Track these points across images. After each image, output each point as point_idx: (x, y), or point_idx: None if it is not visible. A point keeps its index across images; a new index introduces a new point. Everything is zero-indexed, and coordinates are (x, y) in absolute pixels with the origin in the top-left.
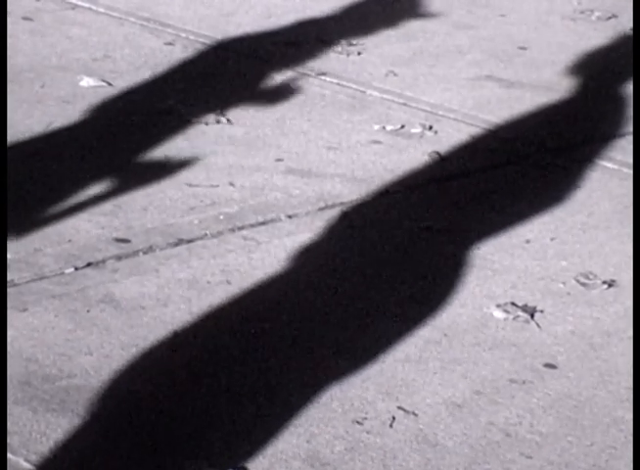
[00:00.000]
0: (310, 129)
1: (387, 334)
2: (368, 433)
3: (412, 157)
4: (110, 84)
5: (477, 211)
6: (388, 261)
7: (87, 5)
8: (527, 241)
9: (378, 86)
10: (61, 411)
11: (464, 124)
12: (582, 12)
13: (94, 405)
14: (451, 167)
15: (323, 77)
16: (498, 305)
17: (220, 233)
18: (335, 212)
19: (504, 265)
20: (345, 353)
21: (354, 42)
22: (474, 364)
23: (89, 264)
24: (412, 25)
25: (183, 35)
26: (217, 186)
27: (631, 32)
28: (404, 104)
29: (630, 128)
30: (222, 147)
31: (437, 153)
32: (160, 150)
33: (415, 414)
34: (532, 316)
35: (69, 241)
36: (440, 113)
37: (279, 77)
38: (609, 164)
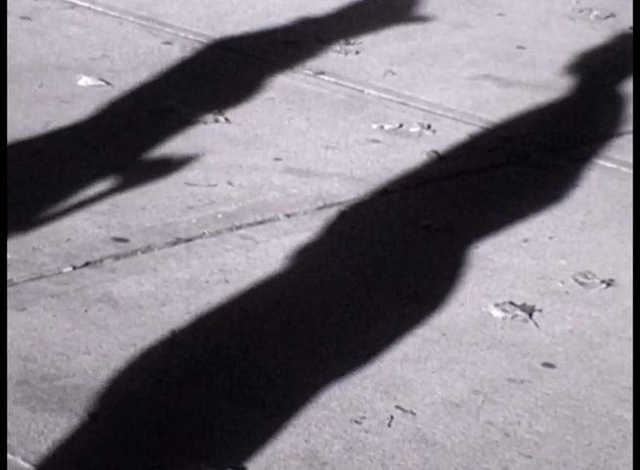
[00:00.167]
0: (309, 128)
1: (385, 333)
2: (366, 432)
3: (410, 156)
4: (108, 84)
5: (475, 210)
6: (387, 261)
7: (86, 4)
8: (526, 240)
9: (376, 85)
10: (59, 411)
11: (462, 124)
12: (581, 11)
13: (92, 405)
14: (449, 167)
15: (321, 76)
16: (497, 305)
17: (219, 232)
18: (333, 212)
19: (503, 265)
20: (344, 353)
21: (353, 41)
22: (472, 364)
23: (87, 264)
24: (410, 25)
25: (182, 34)
26: (216, 185)
27: (630, 31)
28: (402, 103)
29: (629, 127)
30: (220, 146)
31: (436, 152)
32: (159, 149)
33: (413, 414)
34: (531, 316)
35: (68, 240)
36: (439, 112)
37: (277, 76)
38: (607, 164)
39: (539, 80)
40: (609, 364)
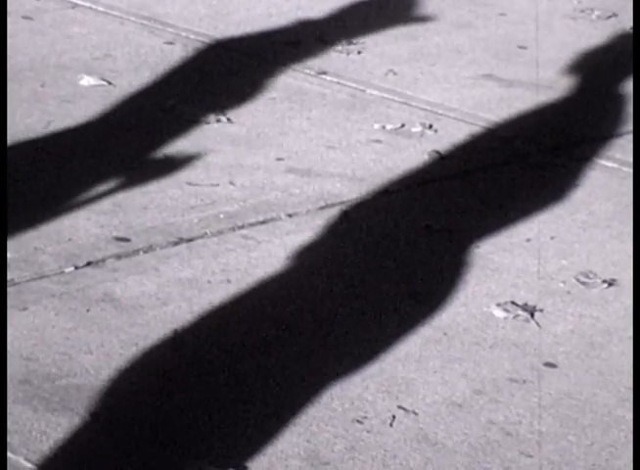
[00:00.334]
0: (310, 128)
1: (387, 333)
2: (368, 432)
3: (412, 156)
4: (110, 83)
5: (477, 210)
6: (389, 260)
7: (87, 4)
8: (528, 240)
9: (378, 85)
10: (61, 410)
11: (464, 123)
12: (582, 11)
13: (94, 404)
14: (451, 167)
15: (323, 76)
16: (498, 305)
17: (220, 232)
18: (335, 212)
19: (504, 264)
20: (345, 352)
21: (354, 41)
22: (474, 363)
23: (89, 263)
24: (412, 25)
25: (183, 34)
26: (217, 185)
27: (631, 31)
28: (404, 103)
29: (630, 127)
30: (222, 146)
31: (438, 152)
32: (161, 149)
33: (415, 413)
34: (532, 315)
35: (69, 240)
36: (440, 112)
37: (279, 76)
38: (608, 164)
39: (541, 80)
40: (610, 364)
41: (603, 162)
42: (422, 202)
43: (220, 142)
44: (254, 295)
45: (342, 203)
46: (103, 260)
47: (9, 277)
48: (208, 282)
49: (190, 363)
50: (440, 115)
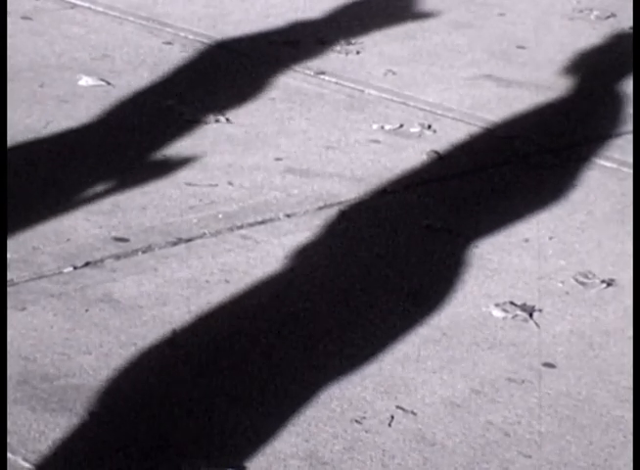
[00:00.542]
0: (309, 129)
1: (385, 333)
2: (367, 432)
3: (411, 156)
4: (109, 83)
5: (475, 210)
6: (387, 261)
7: (86, 4)
8: (526, 240)
9: (377, 85)
10: (59, 410)
11: (463, 124)
12: (581, 11)
13: (93, 404)
14: (450, 167)
15: (322, 77)
16: (497, 305)
17: (219, 232)
18: (333, 212)
19: (503, 265)
20: (344, 353)
21: (353, 41)
22: (472, 363)
23: (88, 264)
24: (411, 25)
25: (182, 35)
26: (216, 185)
27: (630, 31)
28: (403, 103)
29: (629, 127)
30: (221, 146)
31: (436, 152)
32: (159, 149)
33: (414, 413)
34: (531, 315)
35: (68, 240)
36: (439, 112)
37: (278, 77)
38: (607, 164)
39: (540, 80)
40: (609, 364)
41: (602, 162)
42: (420, 202)
43: (219, 142)
44: (253, 295)
45: (340, 203)
46: (102, 261)
47: (8, 277)
48: (207, 282)
49: (188, 363)
50: (439, 115)
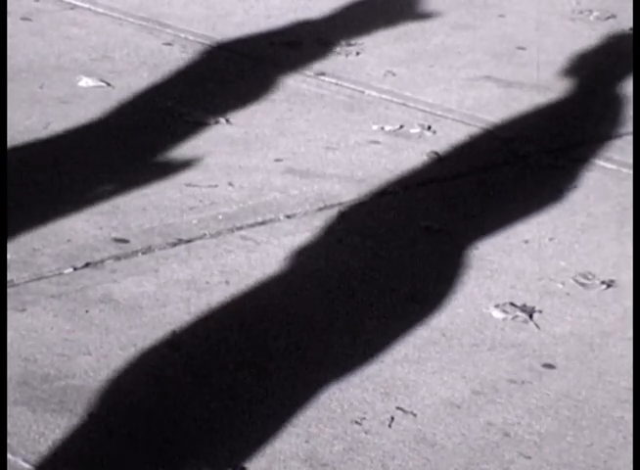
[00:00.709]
0: (309, 129)
1: (385, 334)
2: (367, 433)
3: (411, 157)
4: (108, 84)
5: (475, 211)
6: (387, 261)
7: (86, 5)
8: (526, 241)
9: (376, 86)
10: (59, 411)
11: (462, 124)
12: (581, 12)
13: (93, 406)
14: (450, 168)
15: (322, 77)
16: (497, 306)
17: (219, 233)
18: (333, 213)
19: (503, 266)
20: (344, 353)
21: (353, 42)
22: (472, 364)
23: (88, 264)
24: (411, 26)
25: (182, 35)
26: (216, 186)
27: (630, 32)
28: (403, 104)
29: (629, 128)
30: (221, 147)
31: (436, 153)
32: (159, 150)
33: (414, 414)
34: (531, 316)
35: (68, 241)
36: (439, 113)
37: (278, 77)
38: (607, 165)
39: (539, 81)
40: (609, 365)
41: (601, 163)
42: (420, 203)
43: (219, 143)
44: (253, 296)
45: (340, 204)
46: (102, 262)
47: (8, 278)
48: (207, 283)
49: (188, 364)
50: (439, 116)
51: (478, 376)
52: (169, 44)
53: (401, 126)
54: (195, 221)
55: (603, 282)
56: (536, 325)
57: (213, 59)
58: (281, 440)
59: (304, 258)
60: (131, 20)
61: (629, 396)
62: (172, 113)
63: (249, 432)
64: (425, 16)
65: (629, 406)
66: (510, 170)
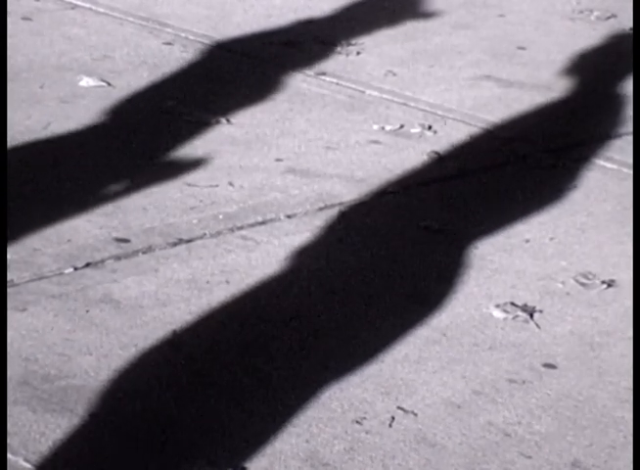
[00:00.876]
0: (309, 129)
1: (386, 334)
2: (367, 433)
3: (411, 157)
4: (109, 84)
5: (476, 210)
6: (387, 261)
7: (87, 5)
8: (527, 241)
9: (377, 86)
10: (60, 411)
11: (463, 124)
12: (581, 12)
13: (93, 405)
14: (450, 167)
15: (322, 77)
16: (497, 305)
17: (219, 233)
18: (334, 212)
19: (503, 265)
20: (345, 353)
21: (353, 42)
22: (473, 364)
23: (88, 264)
24: (411, 25)
25: (182, 35)
26: (217, 186)
27: (631, 32)
28: (403, 104)
29: (629, 128)
30: (221, 147)
31: (437, 153)
32: (160, 150)
33: (414, 414)
34: (532, 316)
35: (69, 241)
36: (440, 113)
37: (278, 77)
38: (608, 165)
39: (540, 81)
40: (609, 365)
41: (602, 163)
42: (421, 203)
43: (219, 143)
44: (253, 295)
45: (340, 204)
46: (102, 261)
47: (8, 278)
48: (208, 283)
49: (189, 364)
50: (440, 115)
51: (478, 376)
52: (170, 44)
53: (402, 126)
54: (195, 221)
55: (603, 282)
56: (537, 325)
57: (214, 58)
58: (281, 439)
59: (305, 258)
60: (132, 19)
61: (630, 395)
62: (173, 112)
63: (249, 432)
64: (425, 15)
65: (630, 406)
66: (510, 170)
